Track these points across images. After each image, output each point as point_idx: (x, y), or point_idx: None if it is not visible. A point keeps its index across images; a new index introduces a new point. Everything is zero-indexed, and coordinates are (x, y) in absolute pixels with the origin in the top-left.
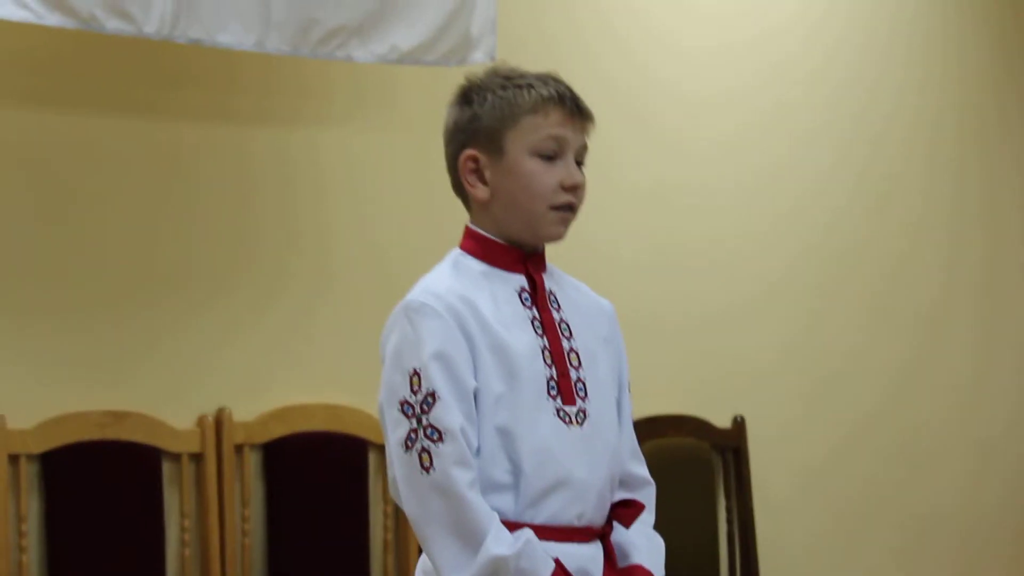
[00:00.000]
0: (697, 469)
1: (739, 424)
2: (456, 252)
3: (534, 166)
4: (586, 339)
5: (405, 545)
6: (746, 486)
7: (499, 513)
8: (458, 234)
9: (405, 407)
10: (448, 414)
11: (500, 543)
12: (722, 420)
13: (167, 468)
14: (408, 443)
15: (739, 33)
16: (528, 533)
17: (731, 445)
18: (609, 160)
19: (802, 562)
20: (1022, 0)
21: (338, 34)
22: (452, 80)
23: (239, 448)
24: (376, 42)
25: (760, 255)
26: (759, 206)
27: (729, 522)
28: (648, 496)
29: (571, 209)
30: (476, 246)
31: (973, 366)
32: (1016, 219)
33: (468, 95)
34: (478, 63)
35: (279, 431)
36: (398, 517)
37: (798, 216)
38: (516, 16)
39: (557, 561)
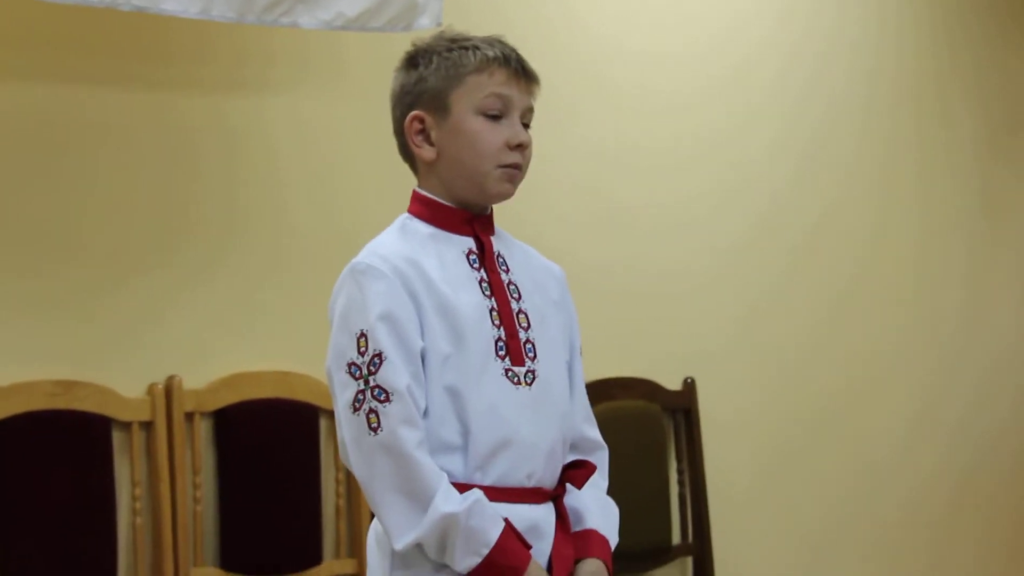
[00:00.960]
0: (648, 431)
1: (689, 386)
2: (404, 216)
3: (479, 125)
4: (535, 301)
5: (357, 511)
6: (697, 448)
7: (449, 474)
8: (408, 199)
9: (352, 368)
10: (395, 374)
11: (449, 501)
12: (673, 382)
13: (117, 437)
14: (356, 404)
15: None
16: (477, 493)
17: (682, 407)
18: (559, 120)
19: (753, 524)
20: None
21: (283, 1)
22: (400, 45)
23: (189, 416)
24: (322, 8)
25: (715, 219)
26: (715, 168)
27: (680, 484)
28: (601, 459)
29: (517, 168)
30: (423, 209)
31: (941, 346)
32: (979, 198)
33: (414, 59)
34: (424, 28)
35: (229, 398)
36: (350, 483)
37: (754, 181)
38: None
39: (507, 521)
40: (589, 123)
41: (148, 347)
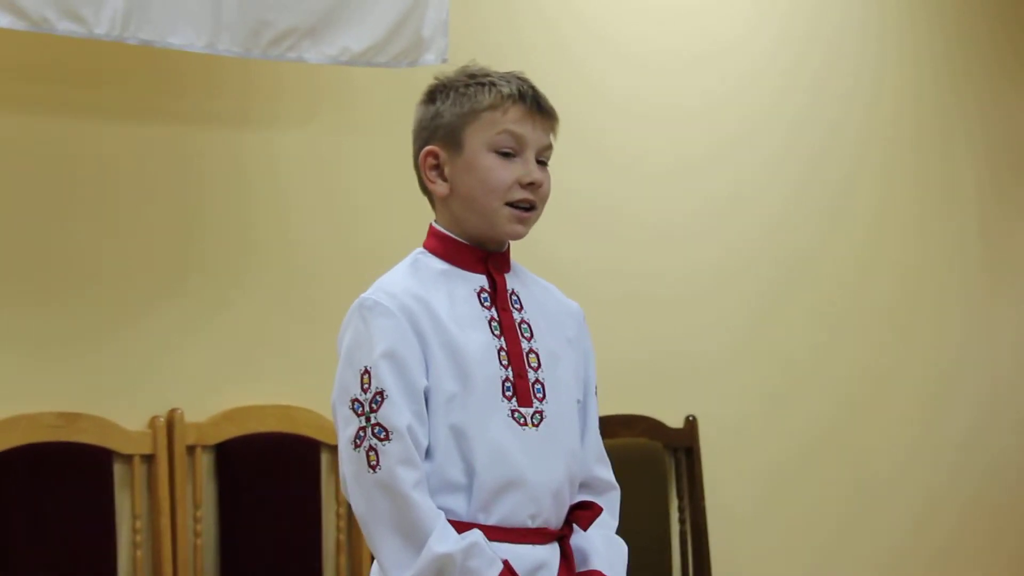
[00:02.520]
0: (649, 469)
1: (691, 424)
2: (418, 251)
3: (491, 161)
4: (548, 340)
5: (358, 546)
6: (698, 486)
7: (452, 514)
8: (419, 235)
9: (355, 405)
10: (396, 413)
11: (444, 542)
12: (674, 420)
13: (118, 470)
14: (357, 441)
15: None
16: (476, 534)
17: (683, 445)
18: (565, 130)
19: (754, 563)
20: None
21: (289, 35)
22: (409, 80)
23: (191, 449)
24: (327, 43)
25: (713, 236)
26: (708, 192)
27: (681, 522)
28: (612, 500)
29: (530, 207)
30: (438, 244)
31: (938, 367)
32: (975, 216)
33: (433, 94)
34: (430, 64)
35: (231, 432)
36: (351, 518)
37: (750, 201)
38: (469, 19)
39: (505, 563)
40: (594, 132)
41: (150, 380)
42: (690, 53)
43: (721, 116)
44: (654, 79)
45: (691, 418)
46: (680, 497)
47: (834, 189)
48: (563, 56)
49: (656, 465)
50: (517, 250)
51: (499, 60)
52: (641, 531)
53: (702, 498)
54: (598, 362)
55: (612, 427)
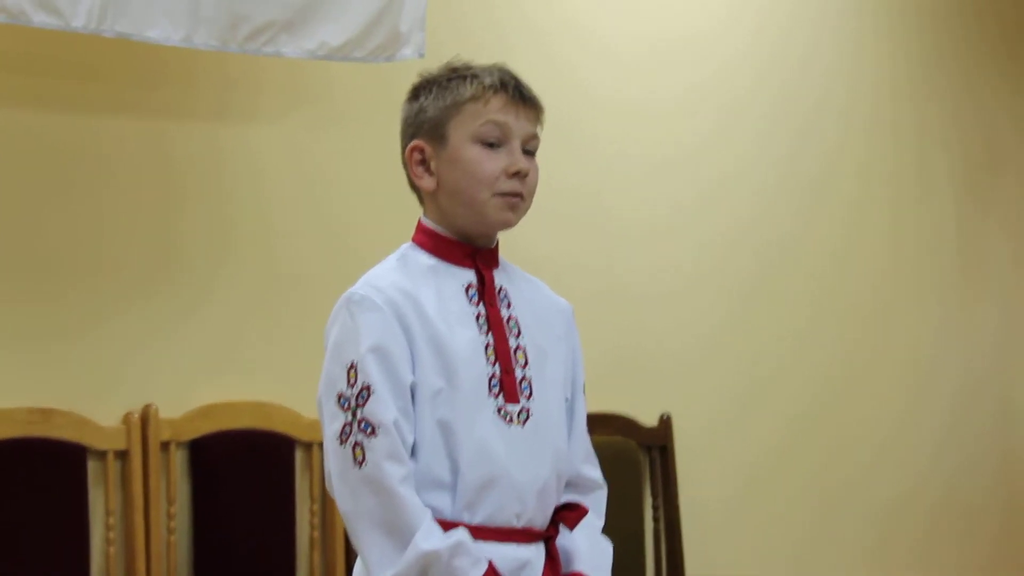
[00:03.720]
0: (624, 467)
1: (666, 422)
2: (406, 245)
3: (476, 153)
4: (536, 337)
5: (332, 543)
6: (672, 484)
7: (437, 512)
8: (399, 229)
9: (341, 400)
10: (382, 408)
11: (430, 538)
12: (649, 418)
13: (92, 466)
14: (343, 437)
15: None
16: (461, 532)
17: (658, 443)
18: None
19: (728, 560)
20: None
21: (267, 29)
22: (388, 75)
23: (165, 445)
24: (305, 38)
25: (687, 233)
26: (682, 188)
27: (656, 520)
28: (598, 499)
29: (517, 196)
30: (426, 240)
31: (913, 363)
32: (951, 212)
33: (417, 90)
34: (407, 59)
35: (205, 428)
36: (325, 515)
37: (725, 197)
38: (447, 14)
39: (490, 563)
40: (571, 127)
41: (125, 376)
42: (667, 48)
43: (696, 113)
44: (631, 74)
45: (665, 416)
46: (654, 495)
47: (810, 186)
48: (542, 51)
49: (630, 463)
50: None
51: (477, 55)
52: (615, 529)
53: (676, 496)
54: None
55: (588, 425)
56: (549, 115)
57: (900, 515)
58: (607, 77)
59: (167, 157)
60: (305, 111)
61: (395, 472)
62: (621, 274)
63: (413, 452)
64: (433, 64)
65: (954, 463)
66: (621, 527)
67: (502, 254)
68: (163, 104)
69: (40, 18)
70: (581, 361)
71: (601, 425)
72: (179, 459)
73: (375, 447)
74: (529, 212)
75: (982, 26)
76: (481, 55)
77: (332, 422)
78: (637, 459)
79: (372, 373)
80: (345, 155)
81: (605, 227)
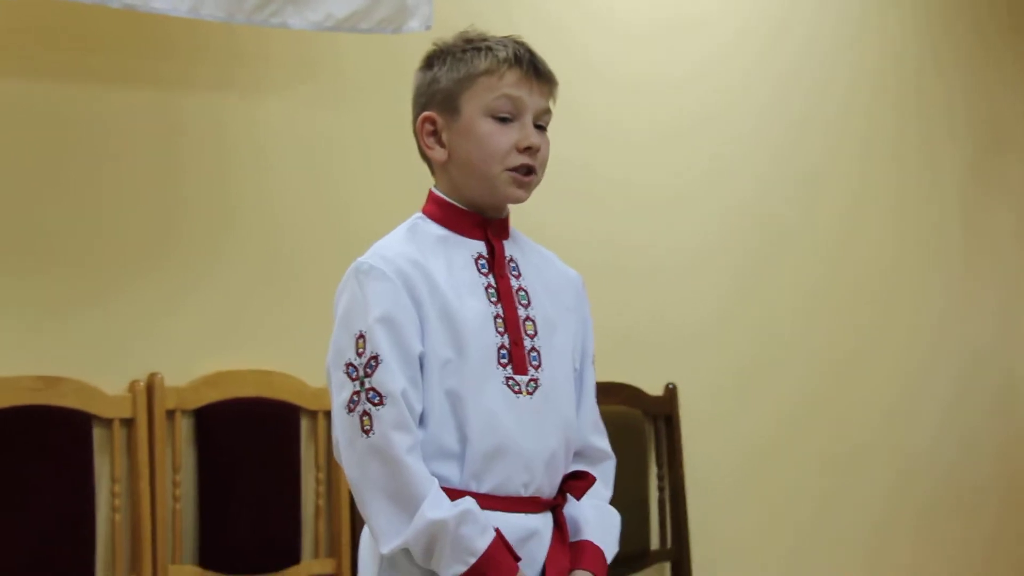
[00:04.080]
0: (629, 437)
1: (671, 392)
2: (416, 216)
3: (488, 127)
4: (546, 308)
5: (337, 511)
6: (677, 454)
7: (445, 481)
8: (402, 204)
9: (350, 369)
10: (390, 377)
11: (437, 507)
12: (654, 388)
13: (98, 433)
14: (351, 405)
15: None
16: (469, 501)
17: (663, 413)
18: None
19: (732, 529)
20: None
21: (273, 1)
22: (396, 47)
23: (171, 413)
24: (311, 9)
25: (694, 206)
26: (688, 162)
27: (660, 489)
28: (606, 469)
29: (529, 171)
30: (437, 210)
31: (918, 339)
32: (955, 192)
33: (431, 60)
34: (413, 31)
35: (211, 397)
36: (330, 483)
37: (732, 174)
38: None
39: (497, 531)
40: (576, 101)
41: (131, 345)
42: (673, 22)
43: (703, 87)
44: (637, 48)
45: (671, 386)
46: (659, 465)
47: (816, 161)
48: (547, 25)
49: (636, 433)
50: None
51: (483, 27)
52: (620, 498)
53: (681, 465)
54: None
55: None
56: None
57: (903, 489)
58: (613, 50)
59: (173, 129)
60: (311, 84)
61: (402, 441)
62: (627, 246)
63: (422, 421)
64: (439, 37)
65: (958, 437)
66: (626, 496)
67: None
68: (169, 76)
69: None
70: (591, 332)
71: (606, 395)
72: (184, 427)
73: (383, 416)
74: (540, 184)
75: (989, 5)
76: (487, 27)
77: (340, 391)
78: (642, 428)
79: (380, 343)
80: (351, 127)
81: (611, 200)
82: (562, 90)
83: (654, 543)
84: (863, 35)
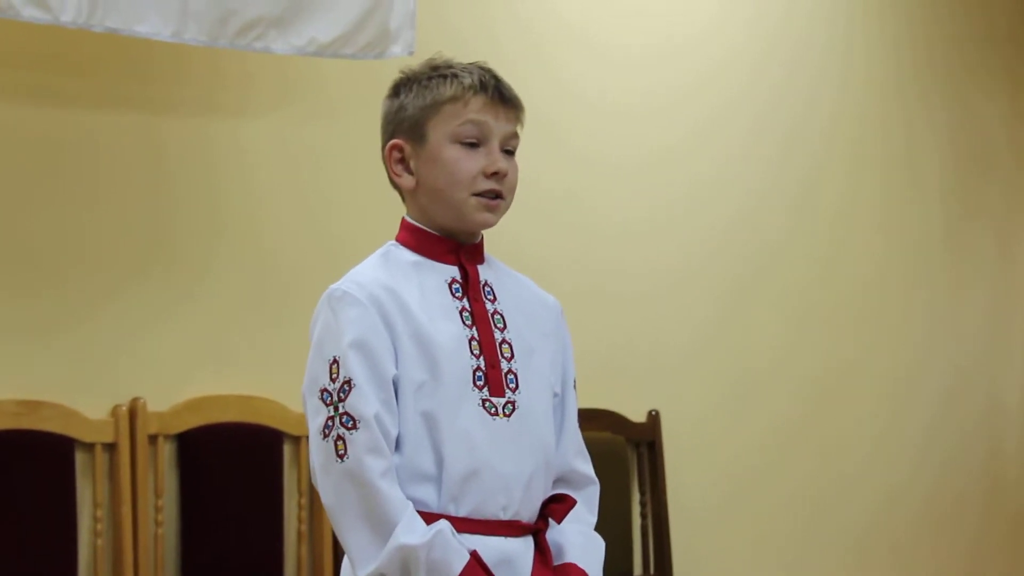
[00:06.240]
0: (612, 463)
1: (654, 418)
2: (389, 243)
3: (455, 152)
4: (523, 332)
5: (319, 536)
6: (660, 480)
7: (422, 504)
8: (388, 225)
9: (324, 395)
10: (363, 402)
11: (411, 533)
12: (637, 414)
13: (80, 458)
14: (325, 431)
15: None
16: (442, 524)
17: (646, 439)
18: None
19: (716, 557)
20: None
21: (256, 25)
22: (380, 71)
23: (153, 438)
24: (294, 34)
25: (679, 230)
26: (673, 186)
27: (643, 516)
28: (590, 495)
29: (496, 196)
30: (409, 237)
31: (901, 362)
32: (939, 211)
33: (398, 87)
34: (396, 56)
35: (194, 422)
36: (312, 508)
37: (716, 199)
38: (437, 11)
39: (474, 553)
40: (561, 125)
41: (113, 369)
42: (657, 48)
43: (686, 112)
44: (621, 73)
45: (654, 412)
46: (642, 491)
47: (799, 185)
48: (532, 49)
49: (619, 459)
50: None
51: (467, 53)
52: (603, 524)
53: (664, 492)
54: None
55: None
56: (537, 113)
57: (887, 511)
58: (597, 76)
59: (157, 152)
60: (295, 107)
61: (376, 466)
62: (610, 272)
63: (398, 445)
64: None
65: (942, 457)
66: (610, 522)
67: (490, 252)
68: (153, 99)
69: (29, 12)
70: (571, 357)
71: (589, 421)
72: (167, 452)
73: (356, 441)
74: (517, 210)
75: (971, 28)
76: (470, 53)
77: (315, 417)
78: (625, 455)
79: (354, 368)
80: (335, 151)
81: (594, 226)
82: (547, 116)
83: (637, 569)
84: (846, 62)
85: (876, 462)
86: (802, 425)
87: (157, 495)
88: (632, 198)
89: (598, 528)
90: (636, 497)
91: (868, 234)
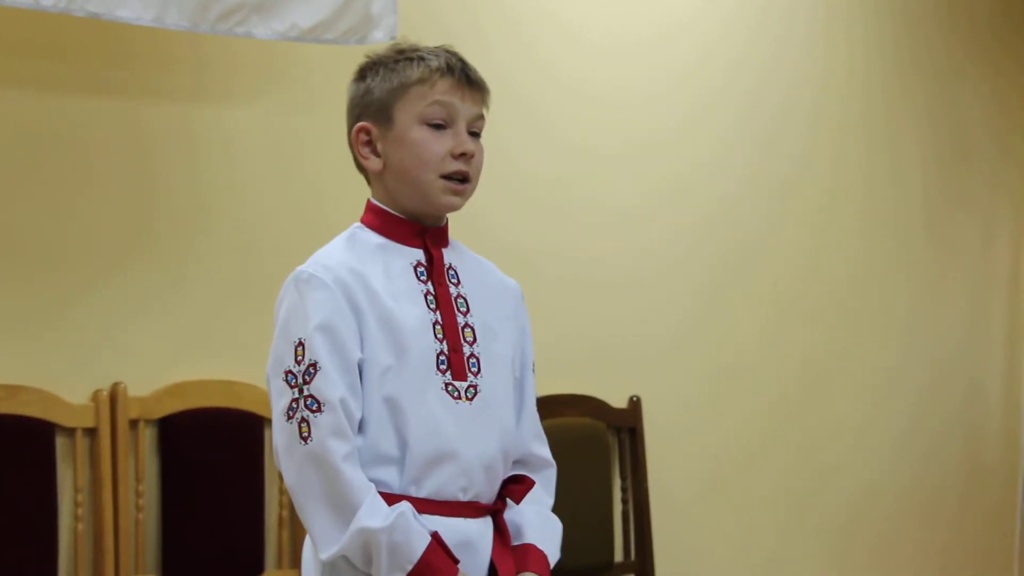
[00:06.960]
0: (593, 449)
1: (635, 404)
2: (355, 225)
3: (422, 134)
4: (485, 315)
5: (299, 522)
6: (641, 466)
7: (384, 485)
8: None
9: (289, 377)
10: (328, 385)
11: (372, 516)
12: (618, 400)
13: (61, 443)
14: (289, 413)
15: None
16: (404, 506)
17: (627, 425)
18: (519, 114)
19: (696, 541)
20: None
21: (238, 10)
22: (360, 58)
23: (134, 423)
24: (276, 19)
25: (660, 220)
26: (656, 175)
27: (624, 502)
28: (547, 478)
29: (463, 179)
30: (375, 219)
31: (883, 353)
32: (921, 204)
33: (364, 71)
34: (379, 41)
35: (174, 406)
36: None
37: (700, 189)
38: None
39: (435, 534)
40: (544, 113)
41: (94, 354)
42: (641, 37)
43: (670, 101)
44: (605, 61)
45: (635, 398)
46: (623, 477)
47: (782, 175)
48: (515, 37)
49: (599, 445)
50: (466, 230)
51: (450, 38)
52: (583, 511)
53: (645, 478)
54: (544, 341)
55: (556, 406)
56: (520, 100)
57: (869, 500)
58: (580, 63)
59: (140, 138)
60: (279, 92)
61: (339, 449)
62: (593, 259)
63: (361, 428)
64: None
65: (924, 446)
66: (590, 508)
67: (472, 238)
68: (135, 85)
69: None
70: (530, 340)
71: (570, 406)
72: (148, 437)
73: (320, 424)
74: (500, 198)
75: (953, 21)
76: (452, 38)
77: (280, 398)
78: (606, 441)
79: (319, 351)
80: (318, 136)
81: (577, 213)
82: (530, 102)
83: (618, 556)
84: (829, 51)
85: (858, 451)
86: (784, 413)
87: (138, 480)
88: (616, 186)
89: (578, 513)
90: (617, 483)
91: (850, 225)
